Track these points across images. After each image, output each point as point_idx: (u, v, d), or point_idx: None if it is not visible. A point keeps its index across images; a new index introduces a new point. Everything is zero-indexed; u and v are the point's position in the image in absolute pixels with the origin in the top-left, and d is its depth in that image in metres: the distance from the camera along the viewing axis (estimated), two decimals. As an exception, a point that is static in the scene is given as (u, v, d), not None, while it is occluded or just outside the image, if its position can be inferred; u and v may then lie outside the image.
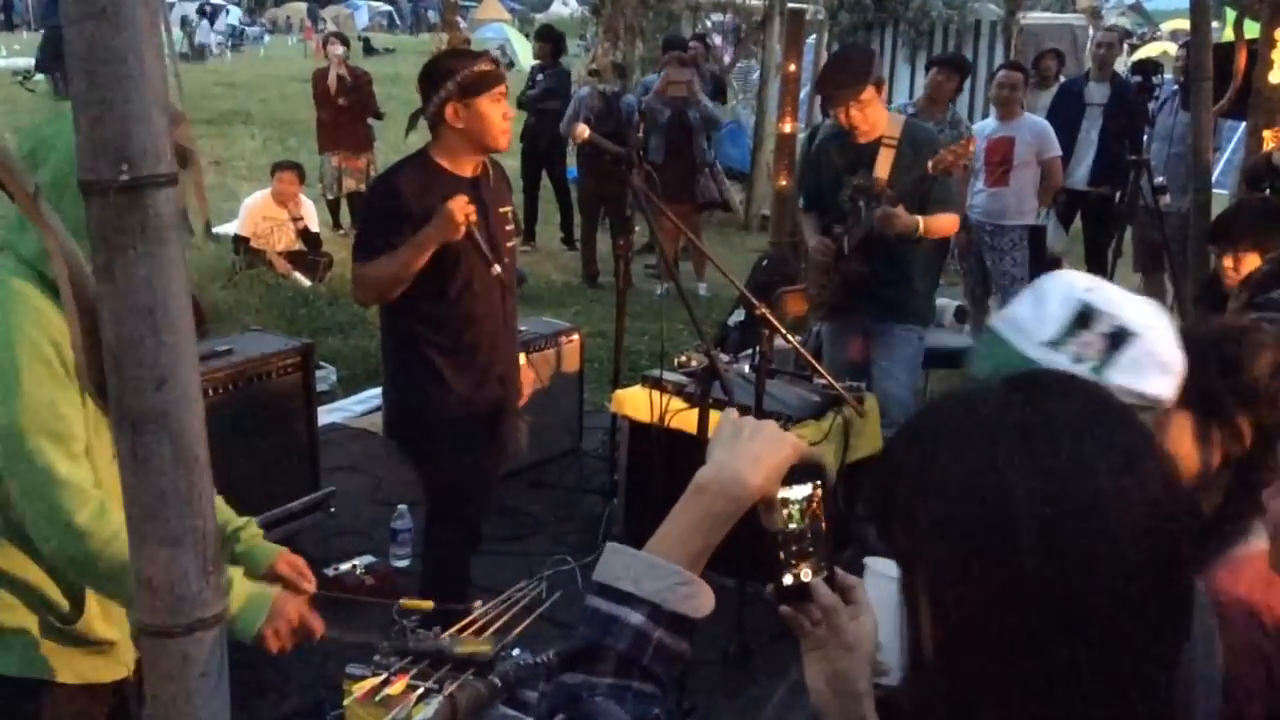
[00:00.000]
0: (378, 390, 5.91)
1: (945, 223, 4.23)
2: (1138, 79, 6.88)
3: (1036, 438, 0.85)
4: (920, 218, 4.05)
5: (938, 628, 0.88)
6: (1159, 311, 1.31)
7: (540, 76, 9.51)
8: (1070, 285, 1.30)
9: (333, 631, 2.15)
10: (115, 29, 0.81)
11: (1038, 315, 1.28)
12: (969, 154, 4.22)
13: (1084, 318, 1.26)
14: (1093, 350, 1.25)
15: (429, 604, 2.45)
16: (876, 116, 4.16)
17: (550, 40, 9.84)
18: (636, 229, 5.91)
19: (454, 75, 3.07)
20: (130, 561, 0.87)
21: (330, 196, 9.79)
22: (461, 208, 2.97)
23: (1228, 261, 3.18)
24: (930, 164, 4.01)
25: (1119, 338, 1.25)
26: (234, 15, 32.69)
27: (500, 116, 3.08)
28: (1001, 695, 0.85)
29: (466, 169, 3.16)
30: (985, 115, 7.30)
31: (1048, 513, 0.83)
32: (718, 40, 15.23)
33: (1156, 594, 0.84)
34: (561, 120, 8.58)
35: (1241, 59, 5.61)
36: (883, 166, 4.14)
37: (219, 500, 2.22)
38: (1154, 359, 1.27)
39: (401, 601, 2.45)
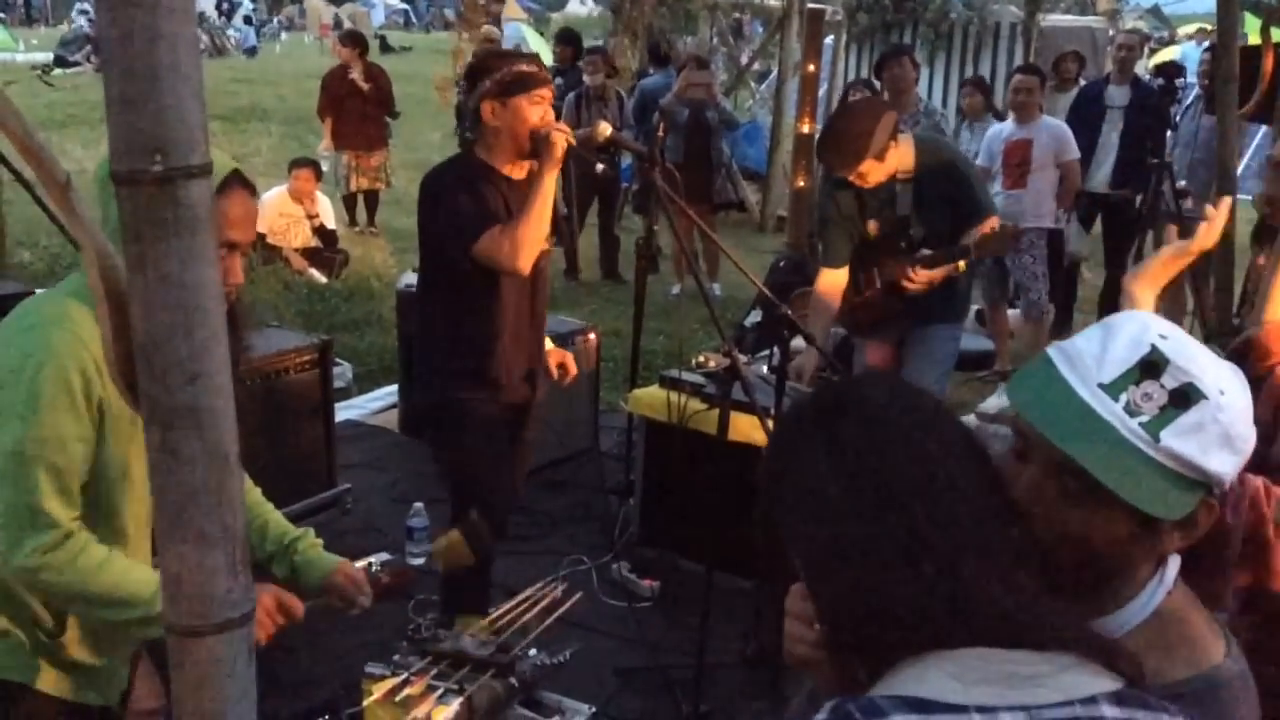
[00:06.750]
0: (393, 388, 5.91)
1: (987, 230, 4.06)
2: (1160, 82, 6.82)
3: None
4: (961, 260, 3.86)
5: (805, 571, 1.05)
6: (1240, 379, 1.12)
7: (558, 80, 9.46)
8: (1144, 328, 1.12)
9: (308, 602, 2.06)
10: (149, 17, 0.80)
11: (1101, 354, 1.11)
12: (1008, 239, 3.93)
13: (1152, 366, 1.09)
14: (1152, 404, 1.08)
15: (484, 619, 2.42)
16: (887, 170, 3.88)
17: (570, 44, 9.73)
18: (655, 228, 5.89)
19: (492, 73, 3.06)
20: (159, 559, 0.87)
21: (341, 193, 9.76)
22: (557, 129, 2.99)
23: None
24: (974, 248, 3.82)
25: (1186, 396, 1.07)
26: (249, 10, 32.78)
27: (538, 119, 3.03)
28: (850, 585, 0.99)
29: (509, 170, 3.10)
30: (1004, 118, 7.25)
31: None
32: (734, 41, 15.21)
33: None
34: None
35: (1268, 63, 5.57)
36: (904, 204, 4.01)
37: (277, 513, 2.21)
38: (1222, 430, 1.08)
39: (459, 618, 2.43)
